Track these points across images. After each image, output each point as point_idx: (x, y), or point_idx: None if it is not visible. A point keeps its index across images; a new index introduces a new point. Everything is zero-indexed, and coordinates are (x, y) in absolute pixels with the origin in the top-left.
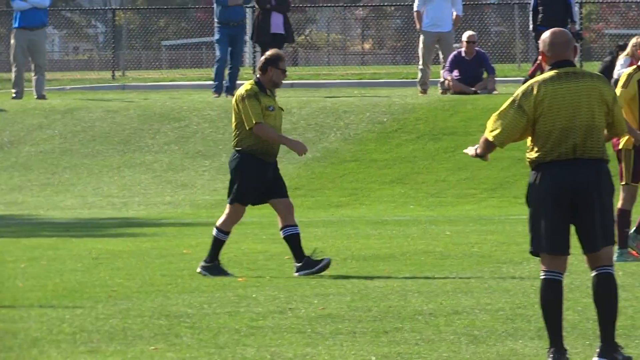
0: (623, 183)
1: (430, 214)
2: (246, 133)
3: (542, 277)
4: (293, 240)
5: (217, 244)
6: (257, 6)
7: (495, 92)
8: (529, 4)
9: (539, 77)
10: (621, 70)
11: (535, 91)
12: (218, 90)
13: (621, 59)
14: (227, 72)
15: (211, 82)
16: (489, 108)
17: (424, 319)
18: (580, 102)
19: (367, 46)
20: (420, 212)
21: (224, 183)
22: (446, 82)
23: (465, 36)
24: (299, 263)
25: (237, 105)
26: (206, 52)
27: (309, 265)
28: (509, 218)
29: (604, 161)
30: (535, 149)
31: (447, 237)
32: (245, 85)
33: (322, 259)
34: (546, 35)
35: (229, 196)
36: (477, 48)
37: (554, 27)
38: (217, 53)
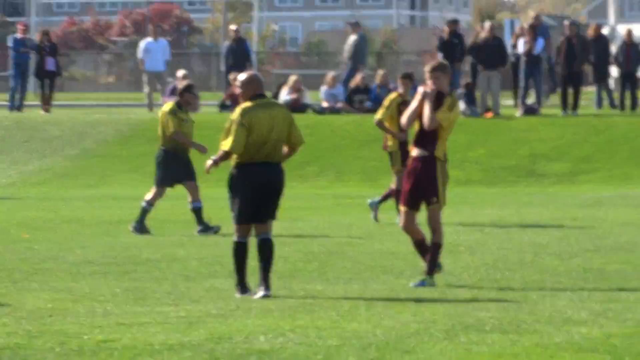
0: (396, 170)
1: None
2: (167, 137)
3: (236, 240)
4: (197, 212)
5: (144, 212)
6: (37, 52)
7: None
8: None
9: (244, 106)
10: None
11: (246, 114)
12: (11, 108)
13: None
14: (17, 96)
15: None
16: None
17: (153, 264)
18: (273, 122)
19: (110, 79)
20: (145, 190)
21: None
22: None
23: (180, 74)
24: (200, 226)
25: (162, 118)
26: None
27: (207, 228)
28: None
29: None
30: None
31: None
32: (168, 104)
33: (215, 225)
34: (242, 77)
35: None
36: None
37: (241, 69)
38: (12, 83)
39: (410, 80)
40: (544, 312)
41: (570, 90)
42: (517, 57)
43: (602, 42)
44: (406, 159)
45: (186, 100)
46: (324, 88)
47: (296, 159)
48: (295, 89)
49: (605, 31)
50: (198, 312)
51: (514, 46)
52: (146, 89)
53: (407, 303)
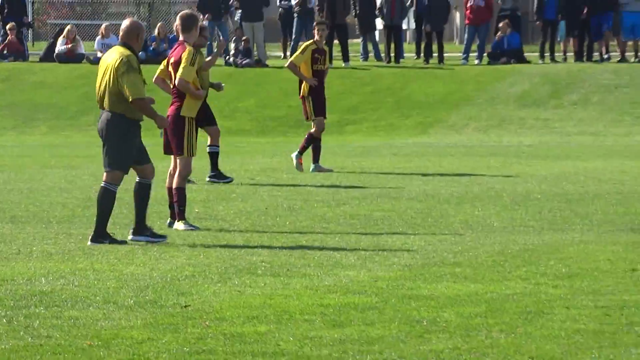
0: (312, 119)
1: None
2: None
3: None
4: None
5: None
6: None
7: None
8: None
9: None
10: None
11: None
12: None
13: None
14: None
15: None
16: None
17: None
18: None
19: None
20: None
21: None
22: None
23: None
24: (213, 172)
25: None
26: None
27: (220, 176)
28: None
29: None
30: None
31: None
32: None
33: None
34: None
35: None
36: None
37: (17, 19)
38: None
39: (327, 27)
40: (314, 256)
41: (336, 42)
42: (289, 8)
43: None
44: (321, 103)
45: None
46: (98, 38)
47: (72, 108)
48: (70, 39)
49: None
50: None
51: None
52: None
53: (182, 247)
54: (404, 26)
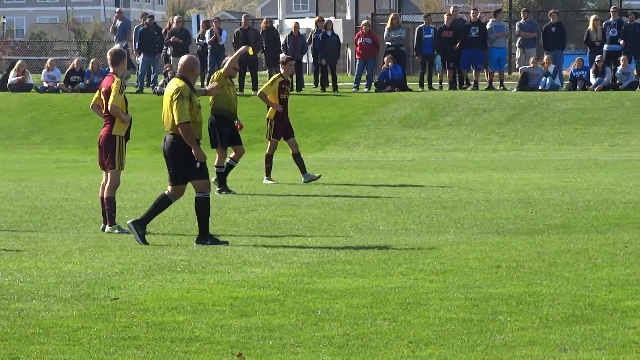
0: (269, 138)
1: None
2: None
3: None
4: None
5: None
6: None
7: None
8: None
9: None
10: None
11: None
12: None
13: None
14: None
15: None
16: None
17: None
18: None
19: None
20: None
21: None
22: None
23: None
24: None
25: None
26: None
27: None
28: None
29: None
30: None
31: None
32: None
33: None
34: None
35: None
36: None
37: None
38: None
39: (293, 62)
40: (225, 256)
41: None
42: (204, 45)
43: (272, 33)
44: (281, 128)
45: None
46: (44, 71)
47: (23, 130)
48: (21, 71)
49: (275, 24)
50: None
51: (200, 37)
52: None
53: (113, 248)
54: (304, 60)
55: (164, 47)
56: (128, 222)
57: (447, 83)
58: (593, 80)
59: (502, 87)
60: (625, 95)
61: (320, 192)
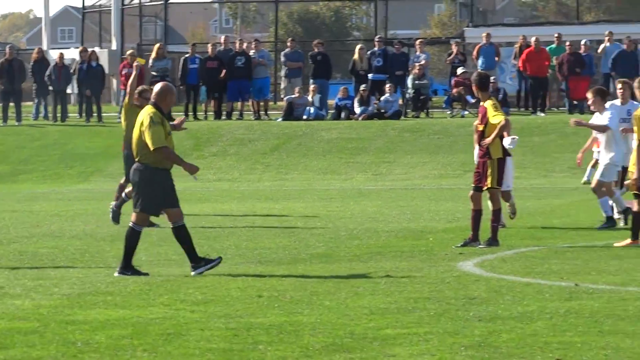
0: None
1: None
2: None
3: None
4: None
5: None
6: None
7: None
8: None
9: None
10: None
11: None
12: None
13: None
14: None
15: None
16: None
17: None
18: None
19: None
20: None
21: None
22: None
23: None
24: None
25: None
26: None
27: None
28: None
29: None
30: None
31: None
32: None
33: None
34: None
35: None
36: None
37: None
38: None
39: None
40: None
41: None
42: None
43: (42, 63)
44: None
45: None
46: None
47: None
48: None
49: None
50: None
51: None
52: None
53: None
54: (69, 90)
55: None
56: (193, 273)
57: (212, 113)
58: (358, 110)
59: (267, 117)
60: (390, 124)
61: (83, 223)
